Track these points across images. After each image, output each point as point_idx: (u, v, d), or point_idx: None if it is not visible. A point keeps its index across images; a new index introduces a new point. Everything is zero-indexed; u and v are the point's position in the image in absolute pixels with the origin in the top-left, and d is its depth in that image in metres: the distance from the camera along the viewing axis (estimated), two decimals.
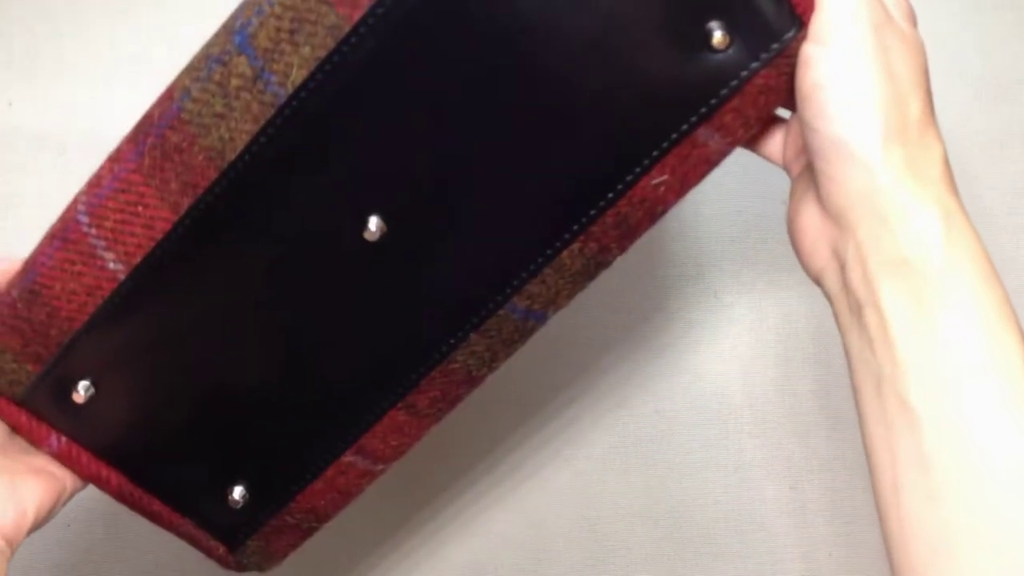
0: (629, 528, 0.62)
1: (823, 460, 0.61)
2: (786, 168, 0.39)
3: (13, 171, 0.61)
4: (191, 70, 0.37)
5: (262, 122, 0.35)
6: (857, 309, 0.33)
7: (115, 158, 0.39)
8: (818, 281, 0.36)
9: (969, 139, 0.61)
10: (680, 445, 0.62)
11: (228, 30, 0.36)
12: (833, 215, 0.34)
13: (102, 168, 0.40)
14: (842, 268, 0.34)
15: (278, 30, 0.34)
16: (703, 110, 0.34)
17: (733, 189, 0.62)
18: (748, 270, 0.61)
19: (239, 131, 0.36)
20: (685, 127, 0.34)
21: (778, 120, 0.39)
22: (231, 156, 0.36)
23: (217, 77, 0.36)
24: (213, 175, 0.36)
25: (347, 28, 0.34)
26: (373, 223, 0.36)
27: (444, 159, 0.36)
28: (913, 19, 0.36)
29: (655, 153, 0.35)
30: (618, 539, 0.62)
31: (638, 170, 0.35)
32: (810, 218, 0.36)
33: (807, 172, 0.37)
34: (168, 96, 0.38)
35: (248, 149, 0.36)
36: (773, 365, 0.61)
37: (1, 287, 0.41)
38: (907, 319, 0.32)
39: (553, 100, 0.34)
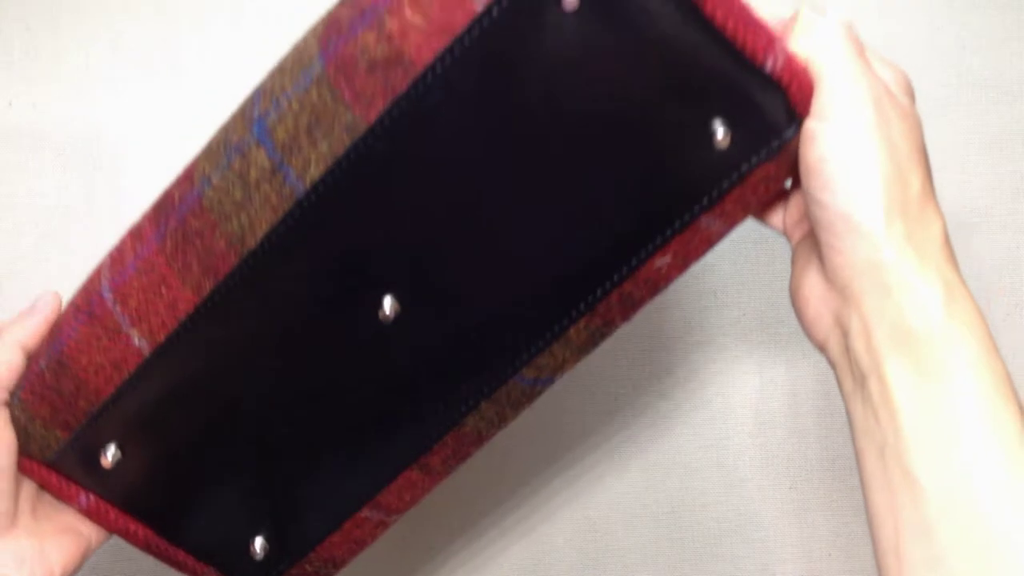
0: (629, 528, 0.62)
1: (823, 460, 0.61)
2: (787, 235, 0.39)
3: (13, 171, 0.61)
4: (210, 155, 0.38)
5: (281, 213, 0.37)
6: (861, 378, 0.34)
7: (137, 235, 0.41)
8: (822, 348, 0.37)
9: (969, 139, 0.61)
10: (680, 445, 0.62)
11: (246, 118, 0.37)
12: (838, 286, 0.34)
13: (123, 244, 0.41)
14: (846, 337, 0.34)
15: (296, 126, 0.35)
16: (706, 201, 0.36)
17: None
18: (747, 270, 0.61)
19: (259, 220, 0.37)
20: (689, 216, 0.36)
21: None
22: (251, 243, 0.37)
23: (237, 167, 0.37)
24: (234, 260, 0.38)
25: (364, 127, 0.35)
26: (387, 304, 0.37)
27: (458, 244, 0.37)
28: (911, 94, 0.36)
29: (660, 240, 0.36)
30: (618, 539, 0.62)
31: (643, 255, 0.37)
32: (813, 288, 0.36)
33: (808, 239, 0.38)
34: (188, 178, 0.39)
35: (267, 237, 0.37)
36: (773, 365, 0.61)
37: (30, 345, 0.42)
38: (910, 390, 0.32)
39: (563, 190, 0.36)
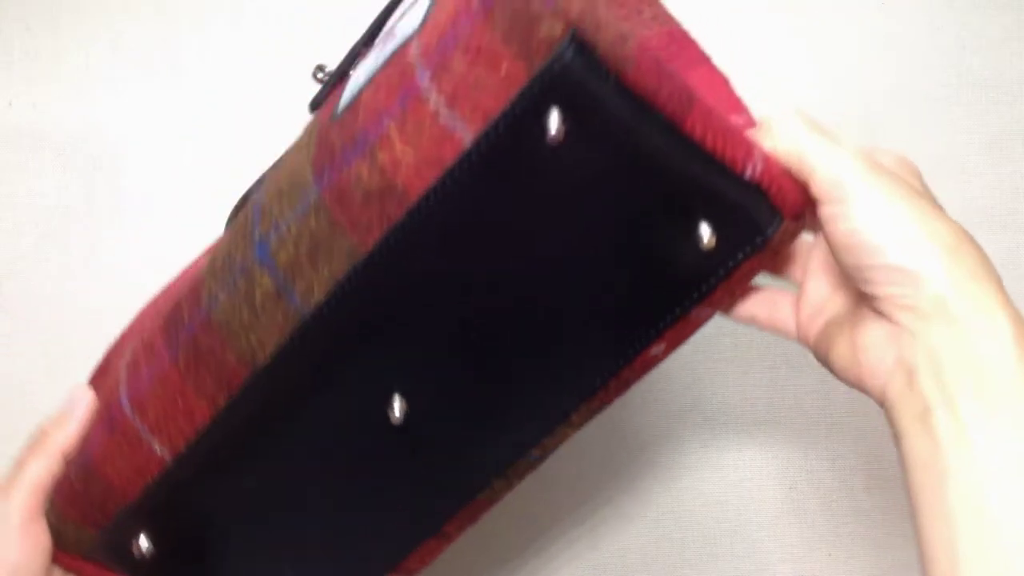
0: (629, 528, 0.62)
1: (823, 460, 0.61)
2: (802, 335, 0.40)
3: (13, 171, 0.61)
4: (216, 273, 0.40)
5: (288, 332, 0.38)
6: (924, 411, 0.34)
7: (149, 349, 0.42)
8: (880, 395, 0.37)
9: (969, 139, 0.61)
10: (680, 445, 0.62)
11: (249, 239, 0.39)
12: (904, 329, 0.35)
13: (137, 354, 0.43)
14: (911, 375, 0.35)
15: (297, 251, 0.37)
16: (696, 295, 0.38)
17: None
18: None
19: (267, 338, 0.38)
20: (681, 311, 0.38)
21: (778, 296, 0.41)
22: (261, 359, 0.39)
23: (242, 289, 0.38)
24: (246, 374, 0.39)
25: (362, 252, 0.36)
26: (397, 406, 0.39)
27: (463, 351, 0.38)
28: (918, 174, 0.37)
29: (654, 332, 0.38)
30: (618, 539, 0.62)
31: (639, 347, 0.39)
32: (868, 346, 0.36)
33: (835, 321, 0.38)
34: (195, 294, 0.41)
35: (276, 354, 0.38)
36: (773, 365, 0.61)
37: (69, 451, 0.43)
38: (983, 420, 0.33)
39: (561, 300, 0.37)
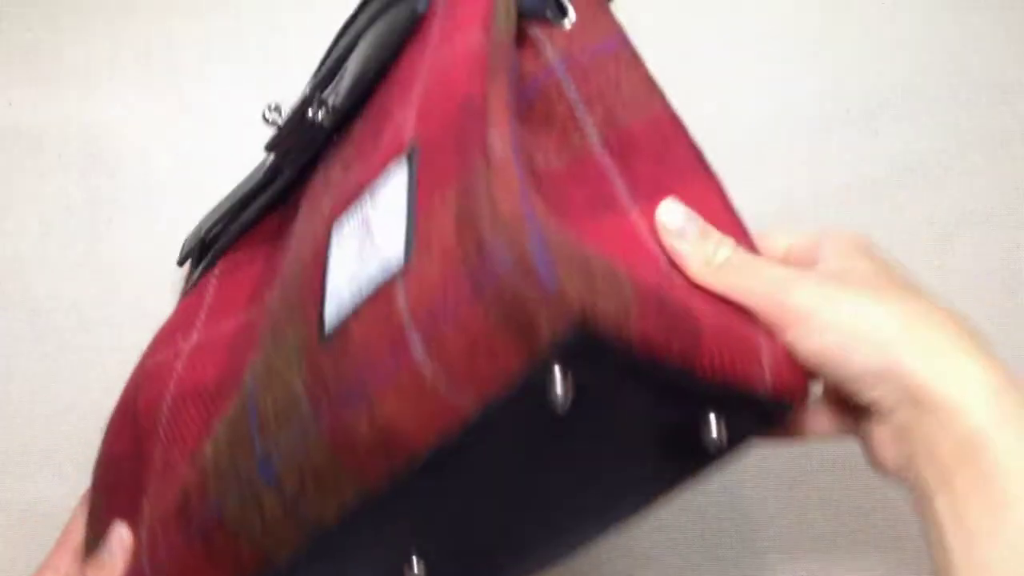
0: (628, 530, 0.62)
1: (823, 460, 0.61)
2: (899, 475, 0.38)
3: (13, 171, 0.61)
4: (221, 473, 0.39)
5: (301, 542, 0.38)
6: (928, 500, 0.34)
7: (165, 525, 0.42)
8: (907, 485, 0.36)
9: (969, 139, 0.62)
10: None
11: (248, 445, 0.38)
12: (897, 424, 0.35)
13: (154, 525, 0.42)
14: (913, 464, 0.35)
15: (303, 483, 0.36)
16: (695, 468, 0.39)
17: (731, 188, 0.62)
18: None
19: (282, 543, 0.38)
20: (677, 481, 0.40)
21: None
22: (276, 560, 0.39)
23: (251, 502, 0.38)
24: (263, 567, 0.39)
25: (366, 488, 0.35)
26: (415, 567, 0.40)
27: (480, 535, 0.40)
28: (864, 248, 0.38)
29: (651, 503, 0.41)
30: (618, 539, 0.62)
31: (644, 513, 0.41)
32: (880, 439, 0.37)
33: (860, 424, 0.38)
34: (202, 487, 0.40)
35: (289, 557, 0.38)
36: None
37: None
38: (980, 505, 0.32)
39: (569, 511, 0.40)
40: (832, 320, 0.34)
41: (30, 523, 0.58)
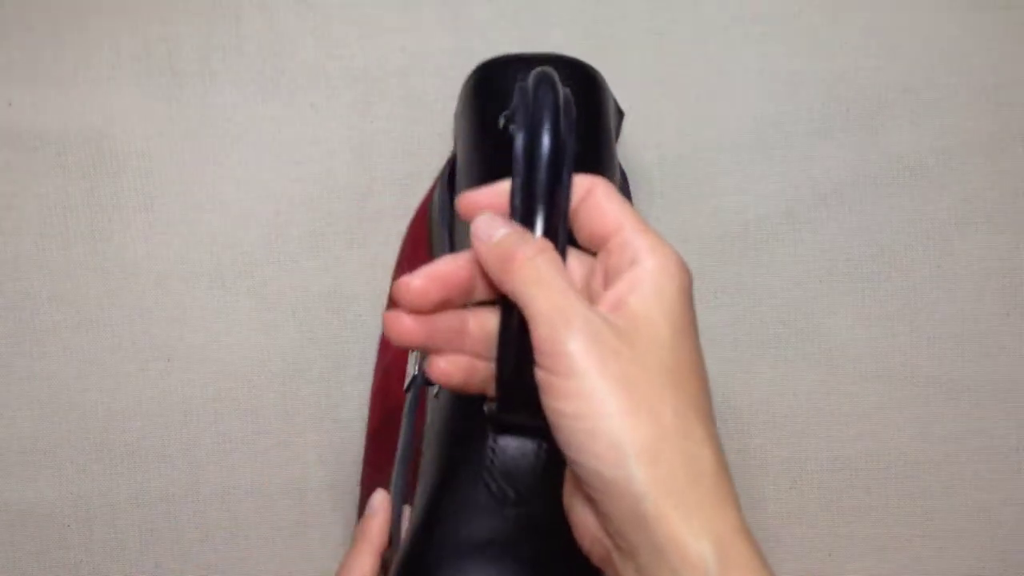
0: None
1: (823, 460, 0.61)
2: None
3: (13, 171, 0.61)
4: None
5: None
6: None
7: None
8: (599, 565, 0.35)
9: (969, 139, 0.62)
10: None
11: None
12: (624, 548, 0.32)
13: None
14: None
15: None
16: None
17: (732, 188, 0.62)
18: (747, 271, 0.62)
19: None
20: None
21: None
22: None
23: None
24: None
25: None
26: None
27: None
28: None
29: None
30: None
31: None
32: (587, 521, 0.34)
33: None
34: None
35: None
36: (773, 365, 0.61)
37: (382, 549, 0.44)
38: None
39: None
40: (587, 411, 0.31)
41: (30, 523, 0.58)
